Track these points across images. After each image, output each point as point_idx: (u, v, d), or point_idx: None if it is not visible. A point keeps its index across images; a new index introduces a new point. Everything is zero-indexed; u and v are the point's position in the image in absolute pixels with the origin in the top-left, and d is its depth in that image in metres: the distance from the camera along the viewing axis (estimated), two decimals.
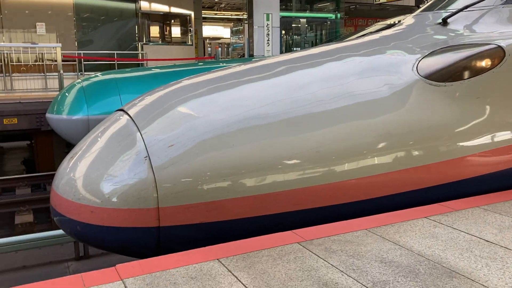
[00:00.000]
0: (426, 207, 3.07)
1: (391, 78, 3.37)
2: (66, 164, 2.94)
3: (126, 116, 3.06)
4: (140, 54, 15.24)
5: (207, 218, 2.74)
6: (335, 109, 3.14)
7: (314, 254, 2.43)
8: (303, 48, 14.89)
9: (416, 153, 3.14)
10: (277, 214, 2.87)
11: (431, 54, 3.53)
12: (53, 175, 8.96)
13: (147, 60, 14.47)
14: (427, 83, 3.34)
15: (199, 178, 2.71)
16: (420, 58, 3.51)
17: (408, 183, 3.13)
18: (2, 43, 13.49)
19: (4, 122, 8.60)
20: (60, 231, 4.87)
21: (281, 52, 13.97)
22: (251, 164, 2.79)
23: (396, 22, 4.60)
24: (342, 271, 2.25)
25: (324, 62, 3.67)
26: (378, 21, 5.45)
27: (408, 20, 4.51)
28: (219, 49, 15.57)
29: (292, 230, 2.76)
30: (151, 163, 2.69)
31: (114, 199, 2.67)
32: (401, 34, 4.11)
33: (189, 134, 2.82)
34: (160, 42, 17.81)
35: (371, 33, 4.58)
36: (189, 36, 18.22)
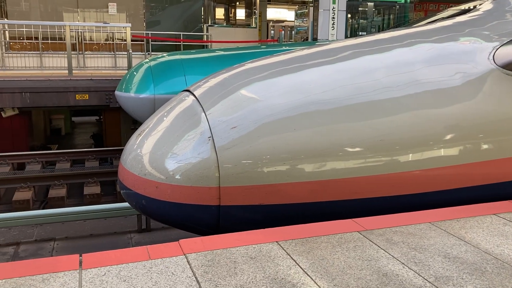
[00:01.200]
0: (495, 204, 2.93)
1: (464, 67, 3.22)
2: (134, 141, 3.05)
3: (191, 97, 3.12)
4: (205, 36, 15.43)
5: (265, 200, 2.78)
6: (402, 97, 3.05)
7: (375, 244, 2.39)
8: (369, 33, 14.47)
9: (487, 146, 2.98)
10: (335, 201, 2.86)
11: (511, 42, 3.32)
12: (119, 150, 9.36)
13: (211, 42, 14.64)
14: (504, 73, 3.15)
15: (259, 160, 2.75)
16: (498, 46, 3.32)
17: (476, 178, 3.00)
18: (77, 22, 14.11)
19: (77, 98, 9.01)
20: (125, 204, 5.02)
21: (346, 37, 13.64)
22: (312, 149, 2.79)
23: (472, 7, 4.34)
24: (403, 263, 2.19)
25: (391, 48, 3.57)
26: (451, 6, 5.17)
27: (486, 5, 4.26)
28: (282, 32, 15.44)
29: (353, 219, 2.73)
30: (214, 143, 2.75)
31: (178, 176, 2.76)
32: (478, 20, 3.90)
33: (251, 117, 2.85)
34: (224, 24, 17.94)
35: (443, 18, 4.35)
36: (253, 19, 18.22)
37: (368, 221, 2.67)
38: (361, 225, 2.61)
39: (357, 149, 2.85)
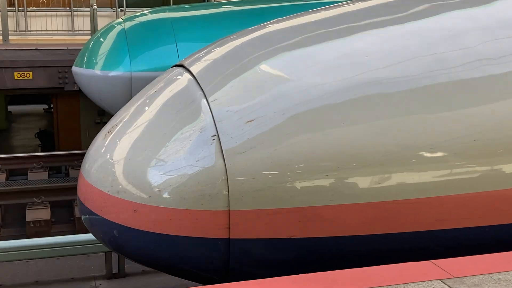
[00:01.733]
0: None
1: None
2: (101, 142, 3.05)
3: (187, 75, 3.11)
4: None
5: (298, 231, 2.78)
6: (508, 75, 3.02)
7: None
8: None
9: None
10: (404, 233, 2.85)
11: None
12: (79, 155, 9.32)
13: None
14: None
15: (289, 171, 2.74)
16: None
17: None
18: None
19: (15, 77, 8.99)
20: (88, 236, 5.05)
21: None
22: (370, 154, 2.79)
23: None
24: None
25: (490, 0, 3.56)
26: None
27: None
28: None
29: (432, 260, 2.68)
30: (221, 145, 2.75)
31: (166, 195, 2.76)
32: None
33: (276, 105, 2.85)
34: None
35: None
36: None
37: (456, 264, 2.62)
38: (446, 270, 2.57)
39: (439, 154, 2.83)
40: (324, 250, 2.84)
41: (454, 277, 2.53)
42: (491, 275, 2.55)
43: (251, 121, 2.80)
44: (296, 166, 2.74)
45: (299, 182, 2.75)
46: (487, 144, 2.87)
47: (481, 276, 2.54)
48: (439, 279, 2.51)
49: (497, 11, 3.41)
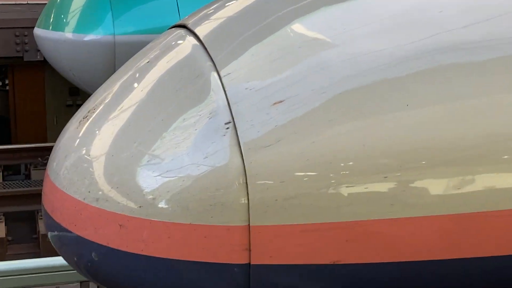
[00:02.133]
0: None
1: None
2: (74, 132, 3.06)
3: (190, 40, 3.11)
4: None
5: (346, 254, 2.76)
6: None
7: None
8: None
9: None
10: (499, 257, 2.82)
11: None
12: (44, 149, 9.34)
13: None
14: None
15: (332, 172, 2.72)
16: None
17: None
18: None
19: None
20: (57, 260, 5.05)
21: None
22: (445, 148, 2.76)
23: None
24: None
25: None
26: None
27: None
28: None
29: None
30: (237, 136, 2.73)
31: (164, 205, 2.75)
32: None
33: (314, 81, 2.82)
34: None
35: None
36: None
37: None
38: None
39: None
40: (381, 281, 2.83)
41: None
42: None
43: (280, 102, 2.77)
44: (342, 165, 2.72)
45: (346, 187, 2.72)
46: None
47: None
48: None
49: None
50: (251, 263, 2.74)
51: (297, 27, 3.04)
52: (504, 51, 2.94)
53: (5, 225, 7.66)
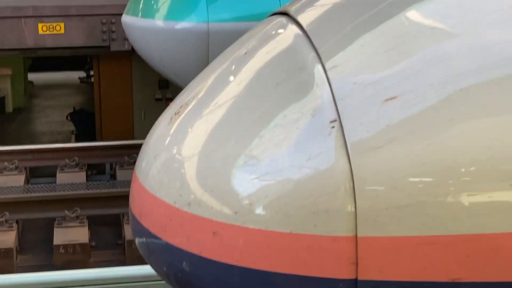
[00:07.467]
0: None
1: None
2: (165, 129, 2.41)
3: (293, 28, 2.45)
4: None
5: (468, 271, 2.02)
6: None
7: None
8: None
9: None
10: None
11: None
12: (131, 147, 8.05)
13: None
14: None
15: (453, 177, 2.01)
16: None
17: None
18: None
19: (40, 31, 7.29)
20: (145, 269, 4.19)
21: None
22: None
23: None
24: None
25: None
26: None
27: None
28: None
29: None
30: (344, 135, 2.05)
31: (261, 211, 2.09)
32: None
33: (431, 75, 2.11)
34: None
35: None
36: None
37: None
38: None
39: None
40: None
41: None
42: None
43: (393, 98, 2.06)
44: (464, 170, 1.98)
45: (469, 195, 1.98)
46: None
47: None
48: None
49: None
50: (358, 278, 2.05)
51: (412, 14, 2.37)
52: None
53: (89, 229, 6.47)
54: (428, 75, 2.07)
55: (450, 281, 1.97)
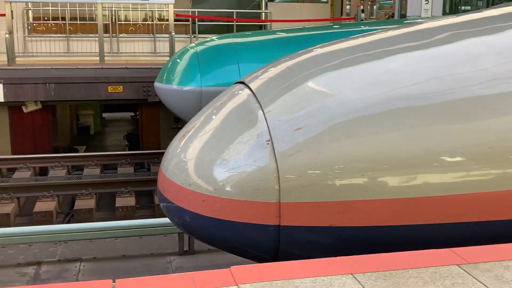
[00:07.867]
0: None
1: None
2: (177, 143, 3.11)
3: (246, 90, 3.13)
4: (263, 13, 15.52)
5: (337, 221, 2.75)
6: None
7: (480, 282, 2.31)
8: (475, 8, 13.99)
9: None
10: (427, 225, 2.80)
11: None
12: (159, 154, 9.61)
13: (271, 21, 14.69)
14: None
15: (330, 171, 2.73)
16: None
17: None
18: None
19: (109, 90, 9.31)
20: (164, 220, 5.16)
21: (444, 14, 13.27)
22: (398, 158, 2.75)
23: None
24: None
25: (503, 28, 3.46)
26: None
27: None
28: (361, 7, 15.24)
29: (451, 248, 2.64)
30: (273, 148, 2.75)
31: (229, 188, 2.78)
32: None
33: (320, 116, 2.83)
34: None
35: None
36: None
37: (471, 252, 2.57)
38: (462, 257, 2.53)
39: (458, 158, 2.78)
40: (359, 237, 2.81)
41: (469, 263, 2.49)
42: (501, 262, 2.50)
43: (299, 129, 2.79)
44: (336, 166, 2.73)
45: (339, 180, 2.73)
46: (501, 151, 2.80)
47: (492, 262, 2.50)
48: (457, 264, 2.47)
49: (507, 38, 3.33)
50: (280, 224, 2.75)
51: (310, 84, 3.04)
52: (434, 99, 2.89)
53: (135, 198, 7.98)
54: (318, 116, 2.79)
55: (329, 225, 2.72)
